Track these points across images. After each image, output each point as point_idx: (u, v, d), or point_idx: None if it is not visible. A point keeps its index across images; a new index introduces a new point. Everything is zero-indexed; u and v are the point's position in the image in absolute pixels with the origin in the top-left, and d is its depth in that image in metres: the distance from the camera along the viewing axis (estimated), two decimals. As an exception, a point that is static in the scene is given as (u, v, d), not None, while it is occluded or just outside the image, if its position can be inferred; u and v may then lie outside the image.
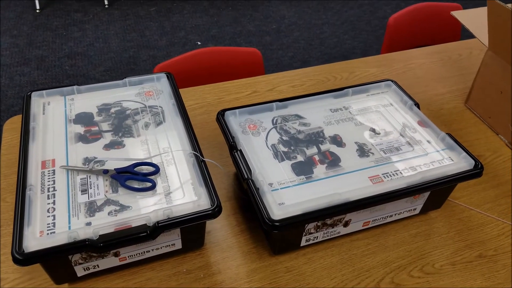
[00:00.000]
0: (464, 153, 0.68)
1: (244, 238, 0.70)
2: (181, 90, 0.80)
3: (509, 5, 0.80)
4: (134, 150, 0.66)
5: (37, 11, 2.71)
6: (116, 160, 0.64)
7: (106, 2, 2.81)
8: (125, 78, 0.79)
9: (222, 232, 0.70)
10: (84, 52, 2.40)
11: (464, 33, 1.07)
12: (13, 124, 0.88)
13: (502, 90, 0.89)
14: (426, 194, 0.68)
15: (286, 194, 0.62)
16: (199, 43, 2.55)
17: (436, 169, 0.66)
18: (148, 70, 2.33)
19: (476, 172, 0.66)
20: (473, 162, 0.66)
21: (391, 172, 0.65)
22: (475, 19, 1.00)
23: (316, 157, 0.68)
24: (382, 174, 0.65)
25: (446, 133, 0.71)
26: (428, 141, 0.72)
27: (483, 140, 0.91)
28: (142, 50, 2.46)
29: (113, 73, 2.28)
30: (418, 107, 0.78)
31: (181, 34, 2.61)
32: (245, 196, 0.75)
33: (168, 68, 1.10)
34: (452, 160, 0.68)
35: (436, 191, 0.68)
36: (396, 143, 0.71)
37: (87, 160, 0.64)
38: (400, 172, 0.65)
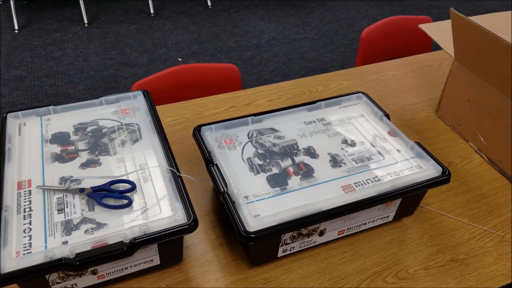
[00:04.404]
0: (432, 161, 0.70)
1: (223, 251, 0.71)
2: (159, 107, 0.81)
3: (471, 17, 0.84)
4: (111, 168, 0.67)
5: (16, 31, 2.70)
6: (92, 178, 0.65)
7: (85, 21, 2.81)
8: (101, 97, 0.80)
9: (201, 246, 0.71)
10: (64, 71, 2.40)
11: (435, 45, 1.11)
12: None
13: (469, 99, 0.93)
14: (398, 201, 0.71)
15: (261, 206, 0.63)
16: (180, 59, 2.57)
17: (406, 176, 0.68)
18: (129, 87, 2.33)
19: (443, 178, 0.68)
20: (441, 169, 0.69)
21: (363, 181, 0.68)
22: (442, 31, 1.05)
23: (291, 169, 0.70)
24: (354, 183, 0.67)
25: (415, 142, 0.74)
26: (398, 150, 0.74)
27: (454, 147, 0.95)
28: (122, 67, 2.46)
29: (93, 91, 2.28)
30: (388, 118, 0.81)
31: (162, 51, 2.63)
32: (222, 210, 0.76)
33: (146, 86, 1.11)
34: (421, 168, 0.71)
35: (407, 198, 0.70)
36: (367, 153, 0.73)
37: (63, 180, 0.64)
38: (371, 181, 0.68)
